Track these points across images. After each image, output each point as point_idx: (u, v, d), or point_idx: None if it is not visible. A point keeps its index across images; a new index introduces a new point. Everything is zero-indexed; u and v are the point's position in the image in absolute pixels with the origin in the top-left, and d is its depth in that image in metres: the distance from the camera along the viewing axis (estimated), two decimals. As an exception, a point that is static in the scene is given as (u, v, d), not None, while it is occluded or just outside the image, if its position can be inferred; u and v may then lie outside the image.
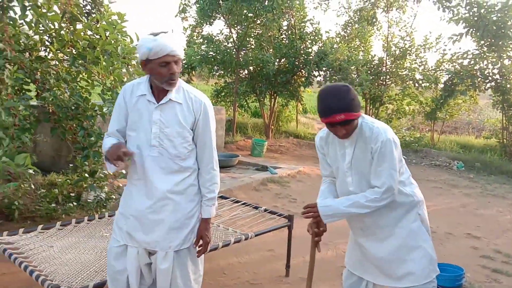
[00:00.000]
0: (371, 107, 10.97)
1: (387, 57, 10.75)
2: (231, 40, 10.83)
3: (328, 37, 10.94)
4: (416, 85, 10.46)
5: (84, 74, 4.31)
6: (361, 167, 2.21)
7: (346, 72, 9.47)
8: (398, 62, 10.64)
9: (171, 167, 2.18)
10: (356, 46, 10.92)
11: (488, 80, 9.30)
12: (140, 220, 2.20)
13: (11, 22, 4.02)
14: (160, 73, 2.07)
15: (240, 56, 10.54)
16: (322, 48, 10.24)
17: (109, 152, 2.13)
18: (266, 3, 9.63)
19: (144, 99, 2.17)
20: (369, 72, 10.42)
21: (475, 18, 8.85)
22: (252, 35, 10.90)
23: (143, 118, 2.16)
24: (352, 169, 2.24)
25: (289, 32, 10.85)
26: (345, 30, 11.52)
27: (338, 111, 2.06)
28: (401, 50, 10.58)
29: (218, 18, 10.62)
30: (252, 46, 10.99)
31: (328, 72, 10.13)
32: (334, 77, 9.82)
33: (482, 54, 9.24)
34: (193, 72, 12.03)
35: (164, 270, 2.21)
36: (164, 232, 2.20)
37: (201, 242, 2.29)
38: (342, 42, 10.71)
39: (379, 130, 2.14)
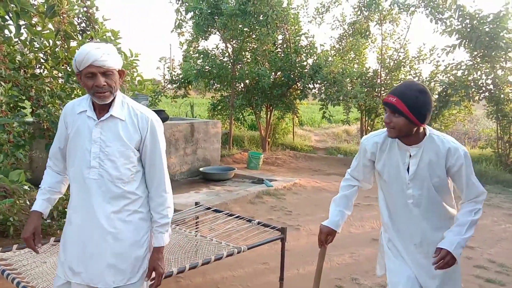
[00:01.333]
0: (366, 118, 11.04)
1: (382, 69, 10.86)
2: (227, 54, 10.94)
3: (323, 50, 11.06)
4: (411, 96, 10.52)
5: (78, 90, 4.37)
6: (426, 179, 2.17)
7: (340, 85, 9.55)
8: (392, 73, 10.75)
9: (112, 191, 1.99)
10: (350, 58, 11.03)
11: (482, 91, 9.37)
12: (81, 253, 2.01)
13: (6, 41, 4.09)
14: (87, 85, 1.94)
15: (236, 70, 10.64)
16: (317, 61, 10.34)
17: (24, 232, 2.09)
18: (261, 18, 9.76)
19: (84, 116, 2.01)
20: (363, 84, 10.52)
21: (468, 30, 8.96)
22: (248, 49, 11.03)
23: (82, 136, 2.00)
24: (415, 181, 2.19)
25: (284, 46, 10.97)
26: (339, 43, 11.64)
27: (394, 94, 2.05)
28: (395, 62, 10.70)
29: (213, 33, 10.75)
30: (248, 60, 11.11)
31: (323, 84, 10.22)
32: (329, 89, 9.91)
33: (476, 65, 9.34)
34: (190, 86, 12.13)
35: None
36: (105, 265, 2.00)
37: (154, 275, 2.08)
38: (337, 55, 10.82)
39: (457, 145, 2.14)
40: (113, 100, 2.01)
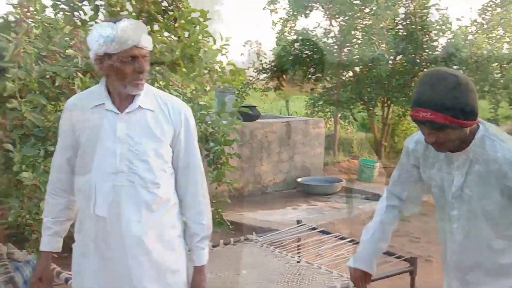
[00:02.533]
0: (521, 116, 10.48)
1: (544, 50, 10.25)
2: (332, 35, 10.97)
3: (460, 26, 10.70)
4: None
5: (160, 82, 4.63)
6: (474, 200, 1.91)
7: (485, 71, 9.19)
8: (559, 56, 10.09)
9: (145, 199, 1.98)
10: (498, 36, 10.55)
11: None
12: (105, 283, 2.02)
13: (80, 25, 4.43)
14: (124, 72, 1.91)
15: (343, 54, 10.63)
16: (452, 40, 10.04)
17: (32, 277, 2.20)
18: (378, -14, 9.69)
19: (102, 110, 1.99)
20: (518, 70, 10.00)
21: None
22: (359, 27, 10.95)
23: (103, 135, 1.98)
24: (461, 199, 1.95)
25: (408, 22, 10.74)
26: (483, 16, 11.16)
27: (424, 105, 1.79)
28: None
29: (315, 8, 10.84)
30: (359, 41, 11.01)
31: (461, 71, 9.86)
32: (470, 77, 9.52)
33: None
34: (284, 76, 12.29)
35: None
36: None
37: None
38: (480, 32, 10.40)
39: None
40: None
